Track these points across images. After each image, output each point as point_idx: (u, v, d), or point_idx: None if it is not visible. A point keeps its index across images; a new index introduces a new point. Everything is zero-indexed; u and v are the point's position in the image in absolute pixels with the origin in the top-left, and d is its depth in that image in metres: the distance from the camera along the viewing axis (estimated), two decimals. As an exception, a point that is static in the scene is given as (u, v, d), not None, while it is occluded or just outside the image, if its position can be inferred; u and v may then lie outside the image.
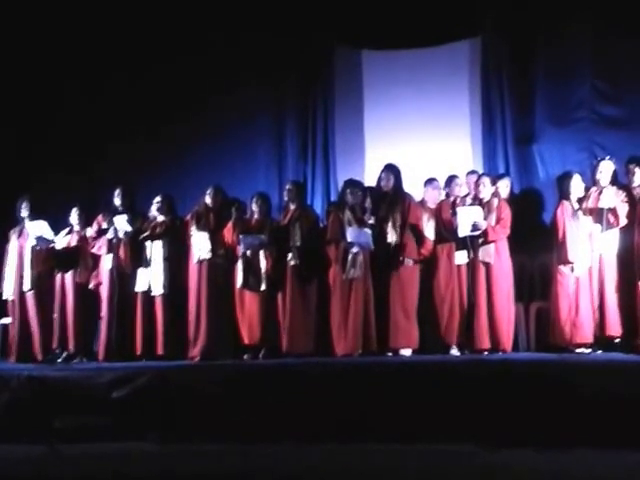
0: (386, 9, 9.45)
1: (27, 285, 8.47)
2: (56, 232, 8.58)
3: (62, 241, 8.55)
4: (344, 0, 9.63)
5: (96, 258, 8.41)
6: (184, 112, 9.92)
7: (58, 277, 8.47)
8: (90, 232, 8.46)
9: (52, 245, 8.49)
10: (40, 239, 8.43)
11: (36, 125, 10.07)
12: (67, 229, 8.62)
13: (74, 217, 8.56)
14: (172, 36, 9.93)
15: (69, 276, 8.45)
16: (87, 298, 8.41)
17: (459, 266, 7.69)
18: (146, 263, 8.18)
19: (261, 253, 7.90)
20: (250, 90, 9.95)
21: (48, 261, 8.47)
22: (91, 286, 8.40)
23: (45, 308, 8.44)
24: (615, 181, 7.61)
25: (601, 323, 7.39)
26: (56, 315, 8.39)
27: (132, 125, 10.00)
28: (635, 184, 7.49)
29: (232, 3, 9.84)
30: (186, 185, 9.25)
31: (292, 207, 8.09)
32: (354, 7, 9.58)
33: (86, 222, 8.55)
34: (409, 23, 9.46)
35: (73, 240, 8.54)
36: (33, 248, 8.48)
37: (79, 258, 8.43)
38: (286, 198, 8.17)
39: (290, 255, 7.86)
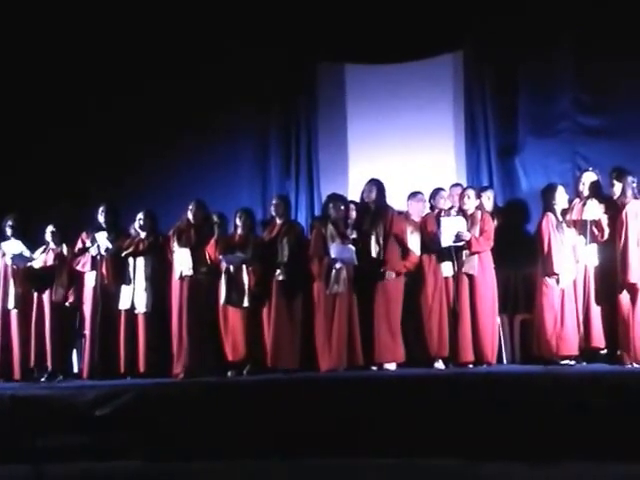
0: (369, 23, 9.47)
1: (11, 303, 8.41)
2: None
3: (39, 259, 8.49)
4: (327, 15, 9.62)
5: (75, 276, 8.35)
6: (168, 128, 9.88)
7: (35, 295, 8.40)
8: (66, 249, 8.41)
9: (30, 264, 8.43)
10: (16, 258, 8.39)
11: (21, 142, 9.99)
12: (42, 247, 8.55)
13: (49, 235, 8.50)
14: (156, 54, 9.93)
15: (46, 295, 8.37)
16: (65, 316, 8.35)
17: (446, 278, 7.66)
18: (129, 280, 8.13)
19: (244, 269, 7.87)
20: (233, 105, 9.92)
21: (26, 280, 8.42)
22: (67, 304, 8.32)
23: (27, 327, 8.37)
24: (598, 192, 7.60)
25: (586, 335, 7.35)
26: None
27: (116, 142, 9.94)
28: (616, 195, 7.47)
29: (215, 20, 9.83)
30: (170, 201, 9.20)
31: (279, 222, 8.05)
32: (337, 22, 9.60)
33: (61, 239, 8.49)
34: (392, 37, 9.48)
35: (49, 258, 8.48)
36: (12, 267, 8.45)
37: (55, 277, 8.35)
38: (273, 213, 8.11)
39: (278, 270, 7.82)
